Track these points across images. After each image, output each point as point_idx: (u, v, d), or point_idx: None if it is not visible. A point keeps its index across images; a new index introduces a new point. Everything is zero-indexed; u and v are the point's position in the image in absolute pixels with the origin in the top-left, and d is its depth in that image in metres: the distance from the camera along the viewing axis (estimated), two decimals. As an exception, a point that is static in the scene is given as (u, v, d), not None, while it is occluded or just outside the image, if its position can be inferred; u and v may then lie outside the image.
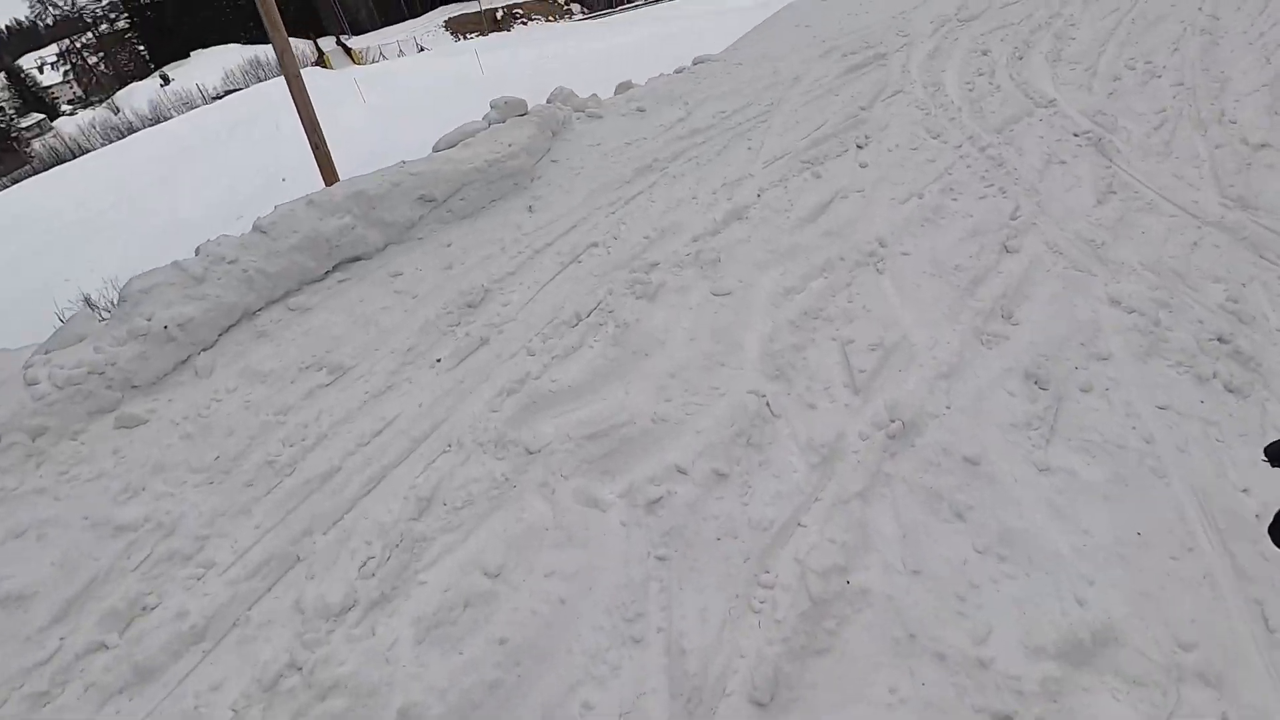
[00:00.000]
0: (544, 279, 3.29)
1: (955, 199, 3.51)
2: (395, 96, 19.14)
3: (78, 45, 49.74)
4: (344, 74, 24.59)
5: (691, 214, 3.67)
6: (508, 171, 3.87)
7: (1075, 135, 3.96)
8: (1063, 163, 3.72)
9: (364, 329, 3.07)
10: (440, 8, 46.02)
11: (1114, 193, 3.37)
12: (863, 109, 4.69)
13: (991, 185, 3.56)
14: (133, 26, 47.84)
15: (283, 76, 4.28)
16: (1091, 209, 3.27)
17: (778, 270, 3.12)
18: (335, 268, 3.46)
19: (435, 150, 3.96)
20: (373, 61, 34.13)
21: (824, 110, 4.73)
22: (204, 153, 19.07)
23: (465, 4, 45.16)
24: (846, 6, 6.93)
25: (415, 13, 46.14)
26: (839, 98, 4.91)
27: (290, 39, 4.38)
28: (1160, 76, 4.65)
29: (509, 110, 4.18)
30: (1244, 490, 1.95)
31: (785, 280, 3.03)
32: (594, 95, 5.15)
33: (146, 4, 45.86)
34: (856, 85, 5.10)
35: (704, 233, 3.45)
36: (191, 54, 45.47)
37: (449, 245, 3.59)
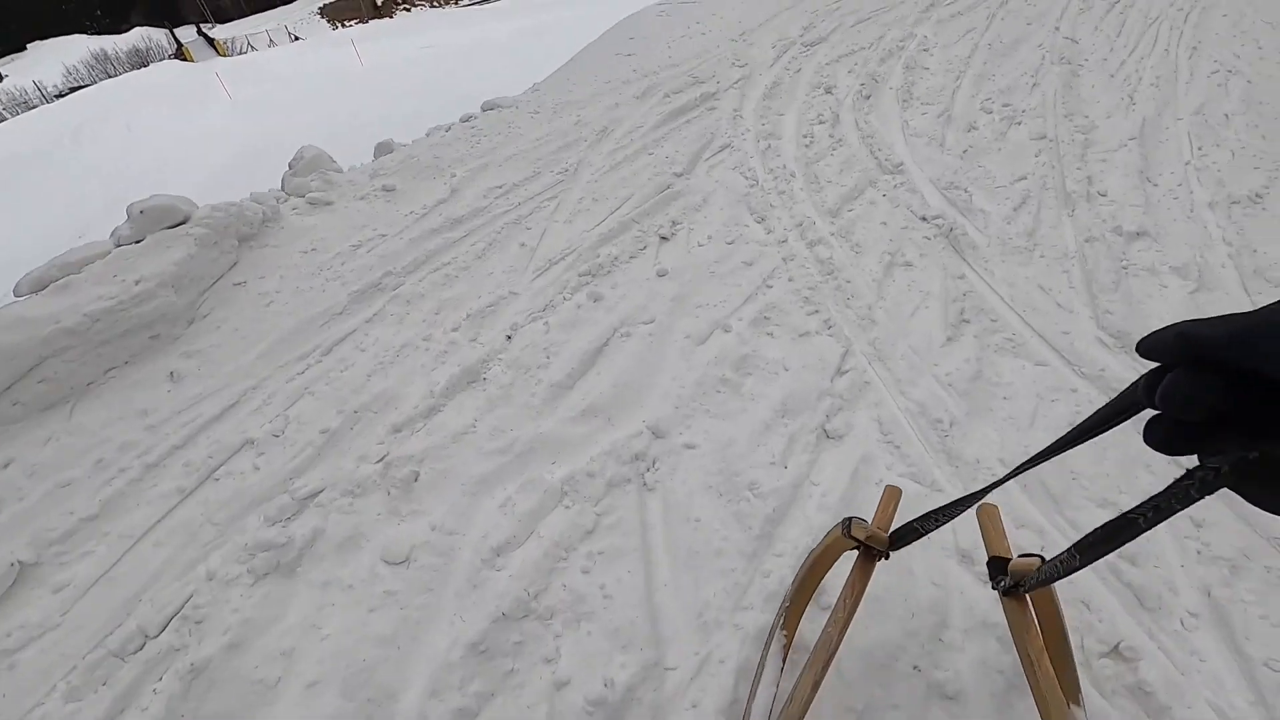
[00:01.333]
0: (136, 532, 2.05)
1: (770, 333, 2.56)
2: (265, 91, 17.16)
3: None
4: (206, 67, 22.05)
5: (411, 374, 2.52)
6: (139, 322, 2.58)
7: (924, 220, 3.11)
8: (908, 265, 2.85)
9: None
10: (315, -7, 42.40)
11: (968, 321, 2.52)
12: (679, 175, 3.69)
13: (817, 311, 2.62)
14: (-52, 16, 40.79)
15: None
16: (940, 351, 2.40)
17: (499, 493, 2.04)
18: None
19: (15, 293, 2.59)
20: (240, 53, 30.79)
21: (630, 179, 3.69)
22: (37, 164, 15.86)
23: (343, -12, 41.80)
24: (683, 24, 5.94)
25: (286, -1, 42.44)
26: (653, 158, 3.89)
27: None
28: (1020, 123, 3.93)
29: (153, 221, 2.82)
30: None
31: (504, 524, 1.95)
32: (332, 169, 3.85)
33: (-35, -12, 39.21)
34: (677, 138, 4.10)
35: (415, 414, 2.32)
36: (28, 47, 39.39)
37: (4, 465, 2.27)
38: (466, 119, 4.52)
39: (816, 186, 3.47)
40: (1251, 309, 0.33)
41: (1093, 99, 4.18)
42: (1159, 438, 0.38)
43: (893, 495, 1.35)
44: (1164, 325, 0.37)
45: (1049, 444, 0.57)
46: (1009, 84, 4.41)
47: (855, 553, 1.20)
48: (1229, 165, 3.32)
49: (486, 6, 30.91)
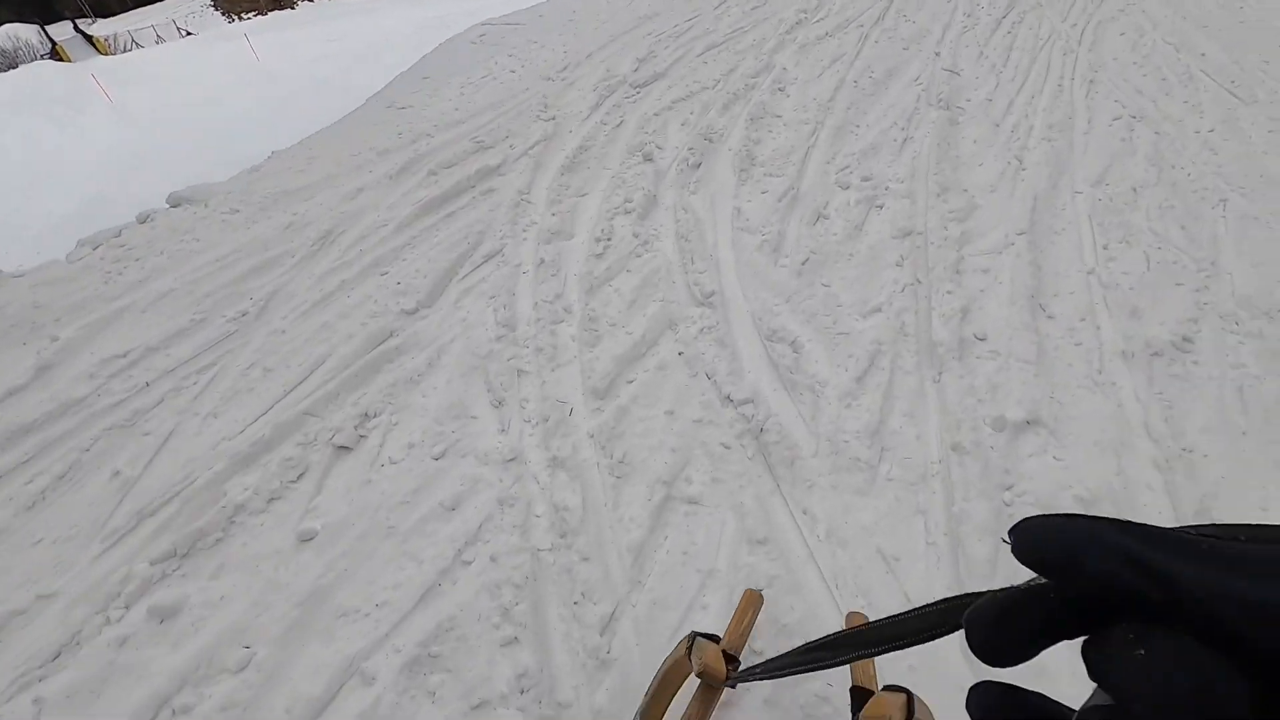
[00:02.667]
0: None
1: (432, 694, 1.48)
2: (151, 94, 15.32)
3: None
4: (84, 68, 19.60)
5: None
6: None
7: (729, 402, 2.08)
8: (691, 506, 1.81)
9: None
10: (209, -18, 39.01)
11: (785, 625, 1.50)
12: (410, 312, 2.55)
13: (515, 640, 1.55)
14: None
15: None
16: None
17: None
18: None
19: None
20: (124, 50, 27.72)
21: (336, 325, 2.52)
22: None
23: (238, -23, 38.67)
24: (494, 57, 4.75)
25: (175, -11, 38.84)
26: (383, 281, 2.73)
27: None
28: (882, 205, 2.97)
29: None
30: None
31: None
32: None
33: None
34: (428, 244, 2.95)
35: None
36: None
37: None
38: (144, 218, 3.21)
39: (593, 335, 2.39)
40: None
41: (974, 159, 3.27)
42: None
43: (751, 601, 1.25)
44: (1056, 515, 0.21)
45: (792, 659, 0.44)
46: (874, 140, 3.45)
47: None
48: (1143, 280, 2.43)
49: None
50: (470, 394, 2.20)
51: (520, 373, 2.26)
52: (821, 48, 4.65)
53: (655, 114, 3.85)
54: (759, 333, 2.32)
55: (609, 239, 2.91)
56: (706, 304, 2.47)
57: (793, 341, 2.26)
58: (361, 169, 3.42)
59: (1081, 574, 0.19)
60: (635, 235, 2.90)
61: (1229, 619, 0.17)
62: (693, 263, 2.70)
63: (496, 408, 2.15)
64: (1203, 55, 4.14)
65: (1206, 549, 0.19)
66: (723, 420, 2.03)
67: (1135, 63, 4.14)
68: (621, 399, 2.12)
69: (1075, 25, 4.76)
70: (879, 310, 2.39)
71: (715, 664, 0.97)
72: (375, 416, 2.15)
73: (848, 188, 3.12)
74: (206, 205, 3.26)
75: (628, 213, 3.04)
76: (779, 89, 4.06)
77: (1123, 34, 4.55)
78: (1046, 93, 3.83)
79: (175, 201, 3.32)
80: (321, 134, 3.95)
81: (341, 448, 2.06)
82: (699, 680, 1.03)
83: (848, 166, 3.25)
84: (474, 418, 2.12)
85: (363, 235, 2.98)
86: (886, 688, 0.88)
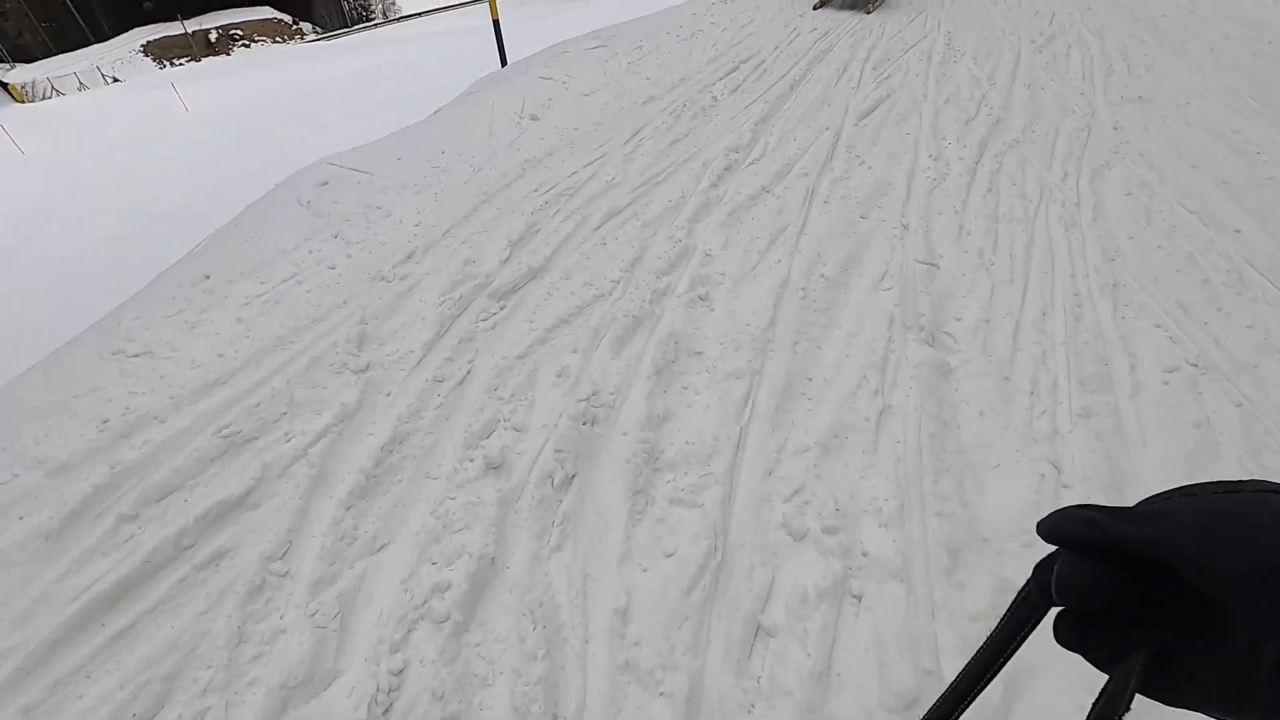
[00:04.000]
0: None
1: None
2: (67, 143, 14.61)
3: None
4: None
5: None
6: None
7: None
8: None
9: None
10: (136, 30, 37.39)
11: None
12: None
13: None
14: None
15: None
16: None
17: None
18: None
19: None
20: (43, 98, 26.71)
21: None
22: None
23: (169, 24, 37.22)
24: (307, 244, 3.46)
25: (103, 36, 36.82)
26: None
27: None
28: (859, 598, 1.79)
29: None
30: None
31: None
32: None
33: None
34: (70, 713, 1.62)
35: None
36: None
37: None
38: None
39: None
40: (1151, 499, 0.33)
41: (986, 457, 2.15)
42: (1069, 636, 0.36)
43: None
44: (1062, 508, 0.34)
45: (953, 690, 0.44)
46: (837, 416, 2.30)
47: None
48: None
49: (333, 42, 29.14)
50: None
51: None
52: (756, 213, 3.56)
53: (520, 355, 2.63)
54: None
55: (393, 696, 1.63)
56: None
57: None
58: (5, 514, 2.06)
59: (1066, 541, 0.34)
60: (436, 691, 1.62)
61: (1129, 548, 0.32)
62: None
63: None
64: (1237, 233, 3.21)
65: (1129, 511, 0.32)
66: None
67: (1159, 245, 3.17)
68: None
69: (1066, 176, 3.82)
70: None
71: None
72: None
73: (802, 539, 1.94)
74: None
75: (437, 621, 1.77)
76: (699, 298, 2.92)
77: (1128, 194, 3.62)
78: (1060, 308, 2.79)
79: None
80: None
81: None
82: None
83: (801, 489, 2.07)
84: None
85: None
86: None
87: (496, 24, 7.51)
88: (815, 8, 7.90)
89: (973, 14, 7.20)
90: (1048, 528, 0.34)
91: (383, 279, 3.09)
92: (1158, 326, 2.66)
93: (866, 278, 3.04)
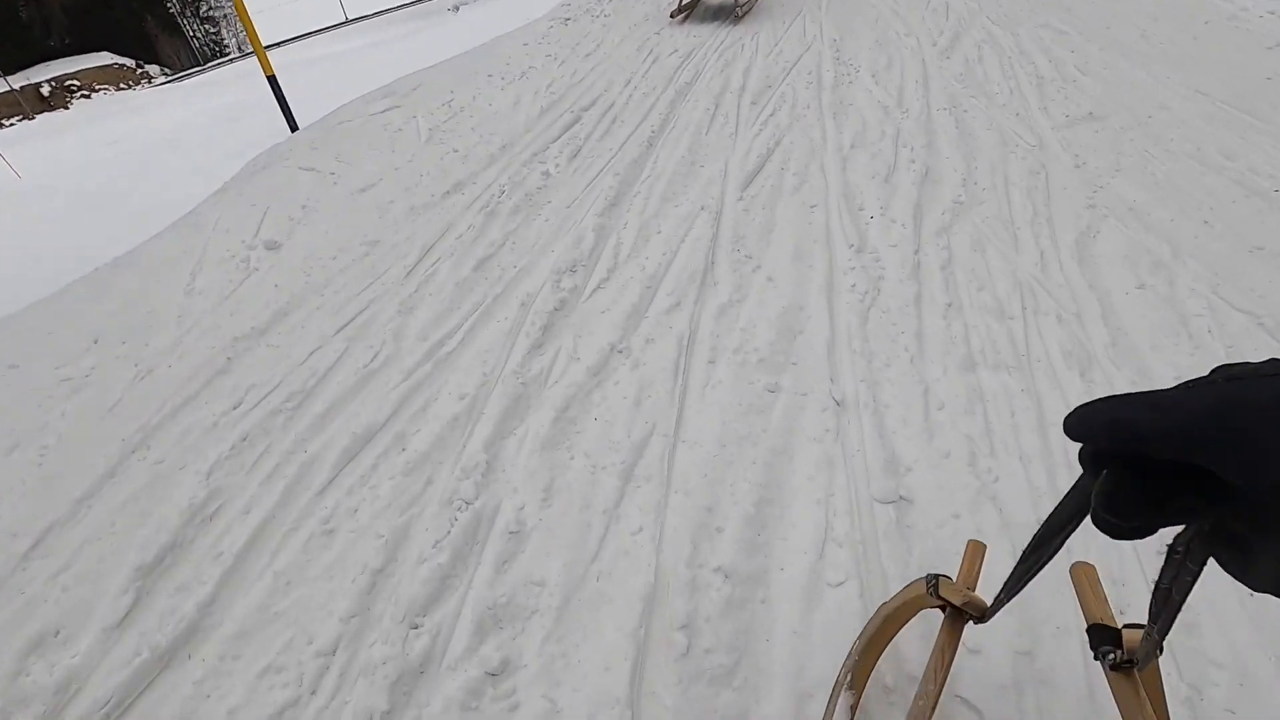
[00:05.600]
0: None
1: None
2: None
3: None
4: None
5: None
6: None
7: None
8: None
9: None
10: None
11: None
12: None
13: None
14: None
15: None
16: None
17: None
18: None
19: None
20: None
21: None
22: None
23: (-16, 84, 32.10)
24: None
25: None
26: None
27: None
28: None
29: None
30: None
31: None
32: None
33: None
34: None
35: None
36: None
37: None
38: None
39: None
40: (1177, 388, 0.32)
41: None
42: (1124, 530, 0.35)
43: (977, 550, 1.14)
44: (1088, 401, 0.34)
45: (1016, 574, 0.55)
46: None
47: (939, 613, 1.00)
48: None
49: (182, 84, 25.77)
50: None
51: None
52: (601, 410, 2.14)
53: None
54: None
55: None
56: None
57: None
58: None
59: (1095, 451, 0.34)
60: None
61: (1155, 445, 0.31)
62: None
63: None
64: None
65: (1151, 399, 0.32)
66: None
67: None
68: None
69: (1044, 259, 2.63)
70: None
71: (976, 598, 0.97)
72: None
73: None
74: None
75: None
76: (489, 675, 1.46)
77: (1140, 286, 2.45)
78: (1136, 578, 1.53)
79: None
80: None
81: None
82: (943, 614, 0.99)
83: None
84: None
85: None
86: (1127, 625, 0.86)
87: (272, 80, 5.77)
88: (673, 15, 6.61)
89: (856, 12, 6.09)
90: (1073, 426, 0.35)
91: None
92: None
93: (794, 554, 1.68)
